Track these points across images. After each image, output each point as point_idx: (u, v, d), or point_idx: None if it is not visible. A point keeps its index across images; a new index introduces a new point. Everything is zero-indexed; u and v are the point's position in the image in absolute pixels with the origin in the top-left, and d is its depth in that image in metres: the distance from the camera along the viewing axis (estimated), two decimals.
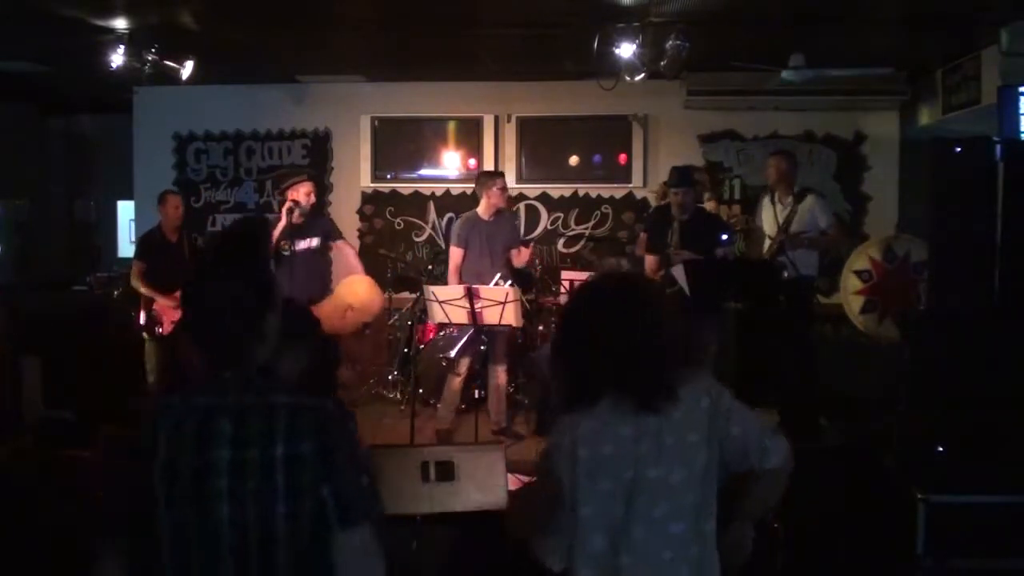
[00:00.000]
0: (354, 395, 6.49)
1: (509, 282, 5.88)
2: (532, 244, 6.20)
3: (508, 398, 6.34)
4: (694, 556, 1.96)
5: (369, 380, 6.96)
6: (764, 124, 7.59)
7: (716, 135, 7.70)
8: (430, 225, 7.98)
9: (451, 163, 7.93)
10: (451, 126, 7.98)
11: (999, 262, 3.99)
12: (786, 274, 5.56)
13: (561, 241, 7.91)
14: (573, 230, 7.90)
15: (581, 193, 7.87)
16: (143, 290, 6.07)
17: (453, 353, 5.78)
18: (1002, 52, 5.44)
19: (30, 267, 8.58)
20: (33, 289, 7.74)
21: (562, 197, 7.90)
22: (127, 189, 8.49)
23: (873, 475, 4.09)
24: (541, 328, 7.00)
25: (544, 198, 7.92)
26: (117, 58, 5.75)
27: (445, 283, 6.03)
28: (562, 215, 7.91)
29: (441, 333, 6.19)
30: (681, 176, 5.81)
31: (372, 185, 8.03)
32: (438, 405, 6.00)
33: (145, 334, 6.13)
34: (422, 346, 6.40)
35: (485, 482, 4.37)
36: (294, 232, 5.71)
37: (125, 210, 9.12)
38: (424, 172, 8.02)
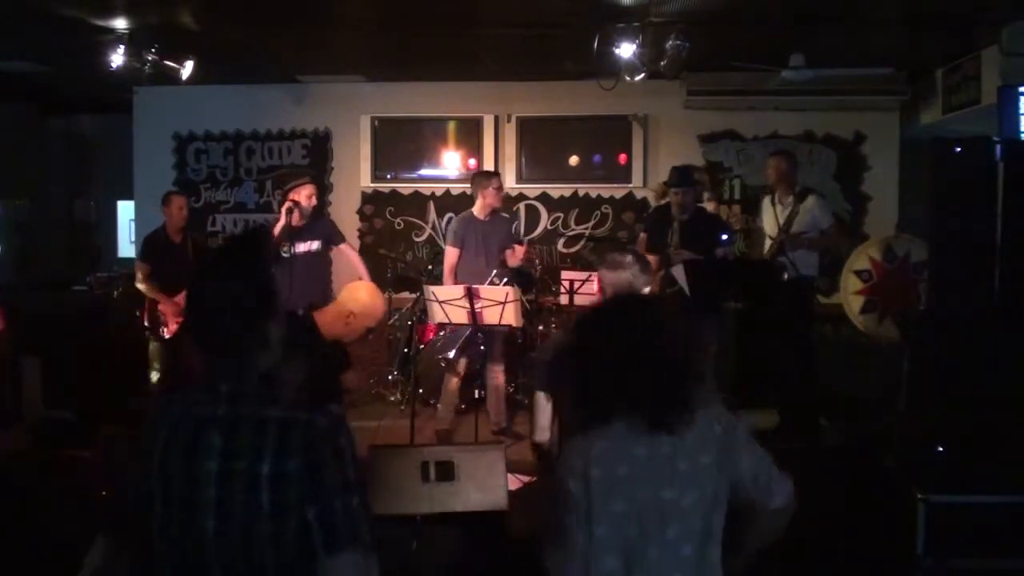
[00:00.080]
0: (357, 398, 6.49)
1: (505, 279, 5.90)
2: (524, 243, 6.19)
3: (508, 398, 6.34)
4: None
5: (369, 380, 6.96)
6: (764, 124, 7.59)
7: (716, 135, 7.70)
8: (430, 225, 7.98)
9: (451, 163, 7.93)
10: (451, 126, 7.98)
11: (999, 262, 3.99)
12: (787, 275, 5.56)
13: (561, 241, 7.91)
14: (573, 230, 7.90)
15: (581, 193, 7.87)
16: (147, 291, 6.07)
17: (452, 353, 5.79)
18: (1002, 52, 5.44)
19: (30, 267, 8.59)
20: (33, 289, 7.74)
21: (562, 197, 7.90)
22: (127, 189, 8.49)
23: (873, 475, 4.10)
24: (541, 328, 7.00)
25: (544, 198, 7.92)
26: (117, 58, 5.75)
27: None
28: (562, 215, 7.91)
29: (441, 333, 6.19)
30: (681, 176, 5.81)
31: (372, 185, 8.03)
32: (438, 405, 6.00)
33: (149, 336, 6.13)
34: (422, 346, 6.40)
35: (485, 482, 4.37)
36: (294, 234, 5.70)
37: (125, 210, 9.13)
38: (424, 172, 8.02)
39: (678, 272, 5.34)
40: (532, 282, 7.15)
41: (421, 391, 6.21)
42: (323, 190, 7.82)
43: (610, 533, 1.92)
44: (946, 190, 4.29)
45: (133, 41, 5.76)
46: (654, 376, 1.96)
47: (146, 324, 6.12)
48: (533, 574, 2.03)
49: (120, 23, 5.66)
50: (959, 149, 4.25)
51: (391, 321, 7.06)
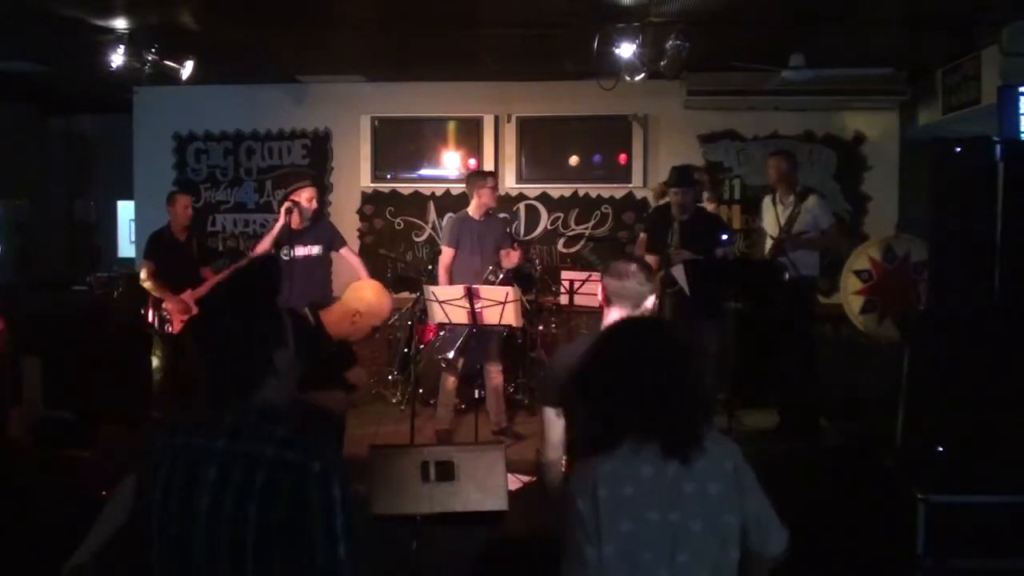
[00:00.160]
0: (362, 394, 6.50)
1: (501, 275, 5.90)
2: (516, 244, 6.19)
3: (508, 398, 6.34)
4: None
5: (370, 380, 6.96)
6: (764, 124, 7.59)
7: (716, 135, 7.70)
8: (430, 225, 7.98)
9: (451, 163, 7.93)
10: (451, 126, 7.98)
11: (999, 262, 3.98)
12: (787, 275, 5.56)
13: (561, 241, 7.91)
14: (573, 230, 7.90)
15: (581, 193, 7.87)
16: (152, 289, 6.08)
17: (451, 353, 5.79)
18: (1002, 52, 5.44)
19: (30, 267, 8.58)
20: (33, 289, 7.74)
21: (562, 197, 7.90)
22: (127, 189, 8.49)
23: (873, 475, 4.10)
24: (541, 328, 7.00)
25: (544, 198, 7.92)
26: (117, 58, 5.75)
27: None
28: (562, 215, 7.91)
29: (441, 333, 6.20)
30: (681, 176, 5.81)
31: (372, 185, 8.03)
32: (437, 405, 6.01)
33: (153, 333, 6.14)
34: (422, 346, 6.40)
35: (485, 482, 4.36)
36: (293, 237, 5.70)
37: (125, 210, 9.13)
38: (424, 172, 8.02)
39: (678, 272, 5.34)
40: (532, 282, 7.16)
41: (421, 391, 6.22)
42: (323, 190, 7.82)
43: (619, 553, 1.92)
44: (946, 190, 4.29)
45: (133, 41, 5.75)
46: (666, 401, 1.98)
47: (151, 322, 6.13)
48: (533, 574, 2.04)
49: (120, 23, 5.66)
50: (959, 149, 4.25)
51: (391, 321, 7.06)
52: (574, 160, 7.85)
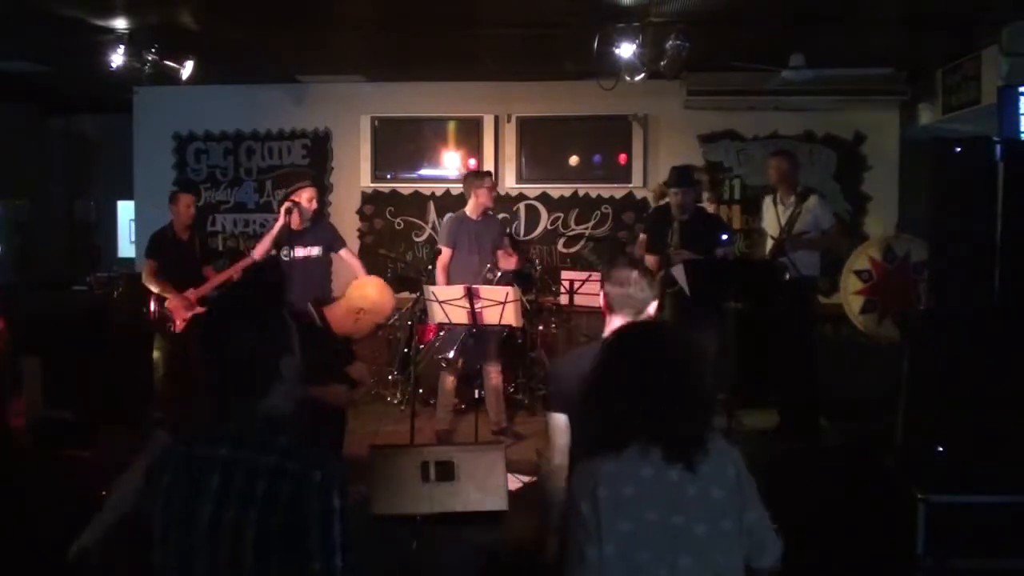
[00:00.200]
0: (362, 392, 6.50)
1: (500, 274, 5.90)
2: (512, 246, 6.20)
3: (508, 398, 6.34)
4: None
5: (370, 380, 6.96)
6: (764, 124, 7.59)
7: (716, 135, 7.70)
8: (430, 225, 7.98)
9: (451, 163, 7.93)
10: (451, 126, 7.98)
11: (999, 262, 3.98)
12: (788, 275, 5.56)
13: (561, 241, 7.91)
14: (573, 230, 7.90)
15: (581, 193, 7.87)
16: (155, 288, 6.08)
17: (452, 353, 5.79)
18: (1002, 52, 5.44)
19: (30, 267, 8.59)
20: (33, 289, 7.74)
21: (562, 197, 7.90)
22: (127, 189, 8.49)
23: (873, 475, 4.10)
24: (541, 328, 7.00)
25: (544, 198, 7.92)
26: (117, 58, 5.75)
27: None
28: (562, 215, 7.91)
29: (441, 333, 6.20)
30: (681, 176, 5.81)
31: (372, 185, 8.03)
32: (436, 406, 6.01)
33: (156, 331, 6.14)
34: (422, 346, 6.40)
35: (485, 482, 4.37)
36: (293, 238, 5.71)
37: (125, 210, 9.13)
38: (424, 172, 8.02)
39: (678, 272, 5.34)
40: (532, 282, 7.16)
41: (421, 391, 6.22)
42: (323, 190, 7.83)
43: (618, 553, 1.93)
44: (946, 190, 4.29)
45: (133, 41, 5.75)
46: (671, 407, 1.99)
47: (153, 319, 6.13)
48: (533, 574, 2.04)
49: (120, 23, 5.66)
50: (959, 149, 4.25)
51: (391, 321, 7.06)
52: (574, 160, 7.85)
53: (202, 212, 8.03)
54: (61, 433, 5.01)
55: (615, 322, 2.86)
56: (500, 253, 6.01)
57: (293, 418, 1.75)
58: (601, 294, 3.04)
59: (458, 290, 5.34)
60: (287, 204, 5.68)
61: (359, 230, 8.05)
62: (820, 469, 4.55)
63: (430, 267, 5.82)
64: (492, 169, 7.75)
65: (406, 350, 6.77)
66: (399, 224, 8.05)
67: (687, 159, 7.10)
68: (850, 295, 6.64)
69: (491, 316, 5.28)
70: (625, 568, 1.93)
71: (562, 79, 7.48)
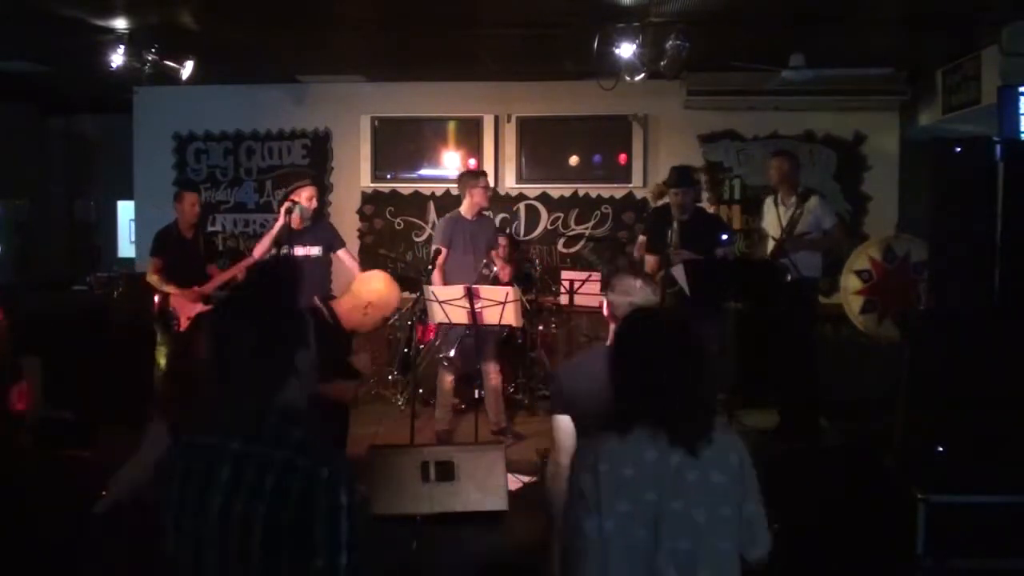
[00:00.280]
0: (364, 387, 6.50)
1: (495, 269, 5.90)
2: (507, 246, 6.21)
3: (508, 398, 6.34)
4: None
5: (370, 379, 6.96)
6: (764, 124, 7.59)
7: (716, 135, 7.70)
8: (430, 225, 7.97)
9: (451, 163, 7.92)
10: (451, 126, 7.98)
11: (999, 262, 3.98)
12: (789, 276, 5.56)
13: (561, 241, 7.91)
14: (573, 230, 7.90)
15: (581, 193, 7.87)
16: (160, 286, 6.09)
17: (452, 352, 5.79)
18: (1002, 52, 5.44)
19: (30, 267, 8.58)
20: (33, 289, 7.74)
21: (562, 197, 7.90)
22: (127, 189, 8.49)
23: (873, 475, 4.10)
24: (541, 328, 7.00)
25: (544, 198, 7.92)
26: (117, 58, 5.75)
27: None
28: (562, 215, 7.91)
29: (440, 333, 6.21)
30: (681, 176, 5.81)
31: (372, 185, 8.03)
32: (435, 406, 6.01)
33: (160, 328, 6.14)
34: (422, 346, 6.40)
35: (485, 482, 4.37)
36: (293, 237, 5.71)
37: (125, 210, 9.13)
38: (424, 172, 8.02)
39: (678, 272, 5.34)
40: (532, 282, 7.16)
41: (421, 391, 6.22)
42: (323, 190, 7.83)
43: (618, 530, 1.96)
44: (946, 190, 4.29)
45: (133, 41, 5.75)
46: (676, 394, 2.03)
47: (157, 318, 6.13)
48: (533, 574, 2.05)
49: (120, 23, 5.66)
50: (959, 149, 4.24)
51: (391, 321, 7.06)
52: (574, 160, 7.85)
53: (202, 212, 8.02)
54: (61, 433, 5.02)
55: None
56: (498, 263, 6.02)
57: (307, 413, 1.76)
58: (604, 302, 3.05)
59: (458, 290, 5.34)
60: (287, 204, 5.69)
61: (359, 230, 8.05)
62: (820, 469, 4.55)
63: (430, 267, 5.81)
64: (492, 169, 7.76)
65: (406, 350, 6.77)
66: (399, 224, 8.05)
67: (687, 159, 7.11)
68: (850, 295, 6.64)
69: (491, 316, 5.28)
70: (624, 545, 1.96)
71: (562, 79, 7.48)
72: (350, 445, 4.23)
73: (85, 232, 9.67)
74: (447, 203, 7.88)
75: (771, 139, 7.54)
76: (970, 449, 3.72)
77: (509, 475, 4.57)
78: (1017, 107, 4.76)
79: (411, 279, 7.17)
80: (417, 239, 8.03)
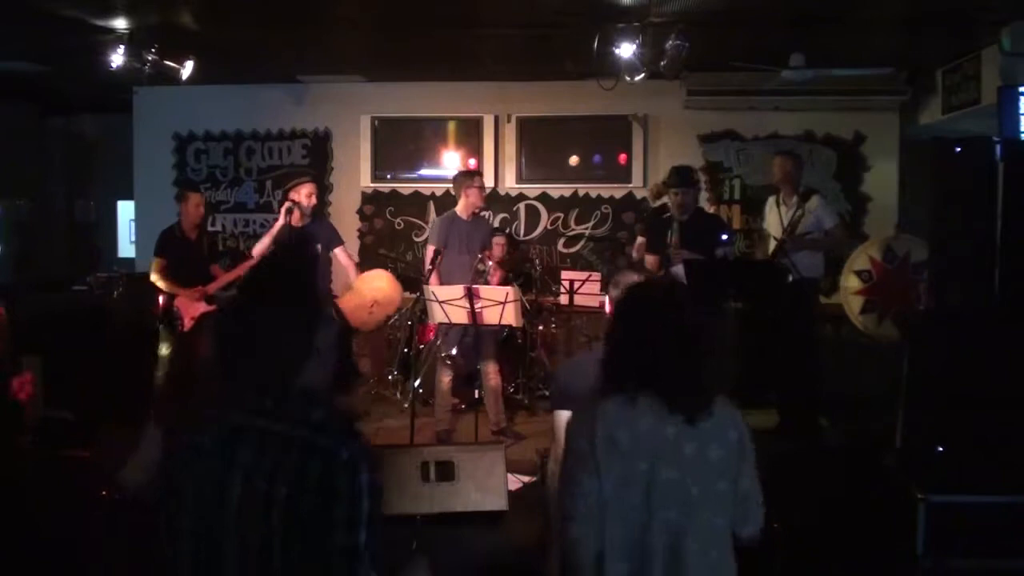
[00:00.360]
0: (365, 387, 6.50)
1: (490, 264, 5.90)
2: (491, 251, 6.24)
3: (508, 398, 6.34)
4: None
5: (370, 379, 6.96)
6: (764, 124, 7.59)
7: (716, 135, 7.70)
8: (430, 225, 7.97)
9: (451, 163, 7.93)
10: (451, 126, 7.98)
11: (999, 262, 3.98)
12: (791, 277, 5.55)
13: (561, 241, 7.91)
14: (573, 230, 7.90)
15: (581, 193, 7.87)
16: (163, 285, 6.09)
17: (454, 350, 5.78)
18: (1002, 52, 5.44)
19: (30, 267, 8.58)
20: (33, 289, 7.74)
21: (562, 197, 7.90)
22: (127, 189, 8.50)
23: (873, 475, 4.09)
24: (541, 328, 7.00)
25: (544, 198, 7.92)
26: (117, 58, 5.75)
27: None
28: (562, 215, 7.91)
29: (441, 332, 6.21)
30: (681, 176, 5.81)
31: (372, 185, 8.03)
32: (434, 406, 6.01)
33: (163, 328, 6.14)
34: (422, 346, 6.40)
35: (485, 482, 4.37)
36: (293, 235, 5.71)
37: (125, 210, 9.13)
38: (424, 172, 8.03)
39: (678, 272, 5.34)
40: (532, 282, 7.16)
41: (421, 391, 6.22)
42: (323, 190, 7.83)
43: (614, 494, 1.98)
44: (946, 190, 4.29)
45: (133, 41, 5.76)
46: (679, 360, 2.03)
47: (161, 318, 6.13)
48: (533, 574, 2.05)
49: (120, 23, 5.66)
50: (959, 149, 4.24)
51: (391, 321, 7.07)
52: (574, 160, 7.86)
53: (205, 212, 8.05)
54: (61, 433, 5.01)
55: None
56: (487, 253, 6.02)
57: (328, 392, 1.76)
58: (606, 299, 3.06)
59: (458, 290, 5.34)
60: (287, 204, 5.69)
61: (359, 230, 8.05)
62: (820, 469, 4.55)
63: (430, 267, 5.81)
64: (492, 169, 7.77)
65: (406, 350, 6.77)
66: (399, 224, 8.05)
67: (687, 159, 7.10)
68: (850, 295, 6.64)
69: (491, 316, 5.28)
70: (619, 510, 1.97)
71: (562, 79, 7.48)
72: None
73: (85, 232, 9.67)
74: (447, 203, 7.86)
75: (771, 139, 7.54)
76: (970, 449, 3.72)
77: (509, 475, 4.57)
78: (1017, 107, 4.77)
79: (411, 279, 7.18)
80: (417, 239, 8.03)
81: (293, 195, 5.75)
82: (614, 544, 1.97)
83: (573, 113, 7.73)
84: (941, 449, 3.76)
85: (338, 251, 5.94)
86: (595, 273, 6.99)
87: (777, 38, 6.07)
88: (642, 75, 5.78)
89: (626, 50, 5.52)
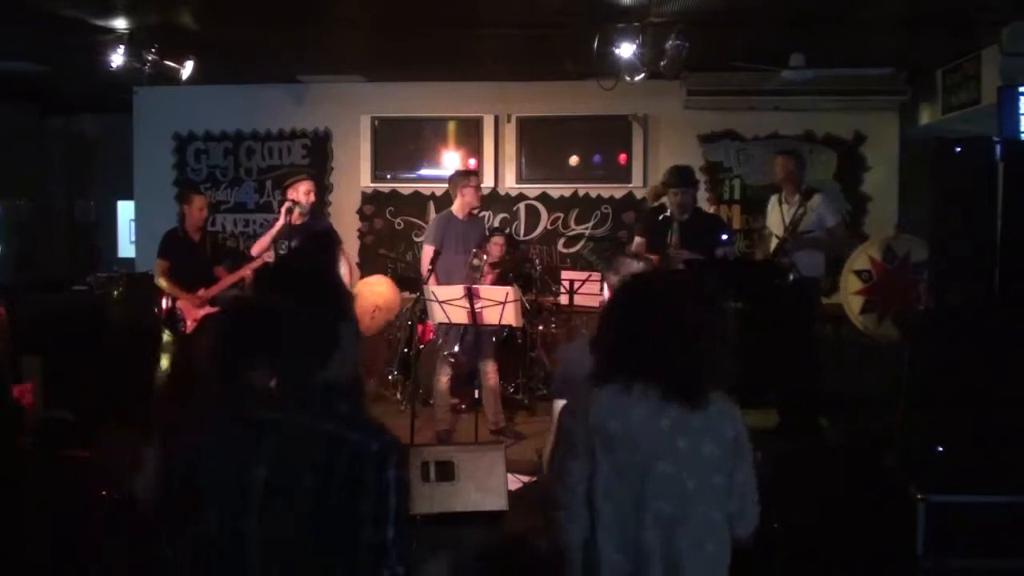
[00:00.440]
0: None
1: (485, 258, 5.90)
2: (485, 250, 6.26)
3: (508, 398, 6.34)
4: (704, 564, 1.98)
5: (370, 380, 6.96)
6: (764, 124, 7.59)
7: (716, 135, 7.70)
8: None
9: (451, 163, 7.92)
10: (451, 126, 7.98)
11: (999, 262, 3.98)
12: (792, 276, 5.55)
13: (561, 241, 7.91)
14: (573, 230, 7.90)
15: (581, 193, 7.87)
16: (166, 287, 6.09)
17: (457, 347, 5.78)
18: (1002, 52, 5.44)
19: (30, 267, 8.58)
20: (33, 289, 7.74)
21: (562, 197, 7.90)
22: (127, 189, 8.50)
23: (873, 475, 4.09)
24: (541, 328, 7.00)
25: (544, 198, 7.92)
26: (117, 58, 5.74)
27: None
28: (562, 215, 7.91)
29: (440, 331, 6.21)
30: (681, 176, 5.81)
31: (372, 185, 8.03)
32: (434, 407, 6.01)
33: (166, 330, 6.15)
34: (422, 346, 6.40)
35: (485, 482, 4.38)
36: (293, 233, 5.72)
37: (125, 210, 9.13)
38: (424, 172, 8.02)
39: None
40: (531, 282, 7.15)
41: (421, 391, 6.22)
42: (323, 190, 7.84)
43: (608, 486, 1.96)
44: (946, 190, 4.29)
45: (133, 41, 5.75)
46: (672, 347, 1.99)
47: (164, 317, 6.13)
48: (533, 574, 2.04)
49: (120, 23, 5.66)
50: (959, 149, 4.24)
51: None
52: (574, 160, 7.85)
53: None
54: (61, 433, 5.01)
55: None
56: (485, 259, 6.03)
57: (352, 386, 1.74)
58: (605, 286, 3.04)
59: (458, 290, 5.34)
60: (287, 204, 5.70)
61: (359, 230, 8.05)
62: (820, 469, 4.55)
63: (430, 267, 5.81)
64: (492, 169, 7.77)
65: (406, 350, 6.77)
66: (399, 224, 8.05)
67: (687, 159, 7.09)
68: (850, 295, 6.64)
69: (491, 316, 5.28)
70: (614, 501, 1.95)
71: (562, 79, 7.47)
72: None
73: (85, 232, 9.67)
74: (447, 203, 7.85)
75: (771, 139, 7.53)
76: (970, 449, 3.72)
77: (509, 475, 4.57)
78: (1017, 107, 4.76)
79: (411, 279, 7.18)
80: (417, 239, 8.01)
81: (291, 193, 5.75)
82: (609, 535, 1.95)
83: (573, 113, 7.72)
84: (941, 449, 3.76)
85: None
86: (595, 273, 6.98)
87: (777, 38, 6.07)
88: (642, 75, 5.77)
89: (626, 50, 5.51)
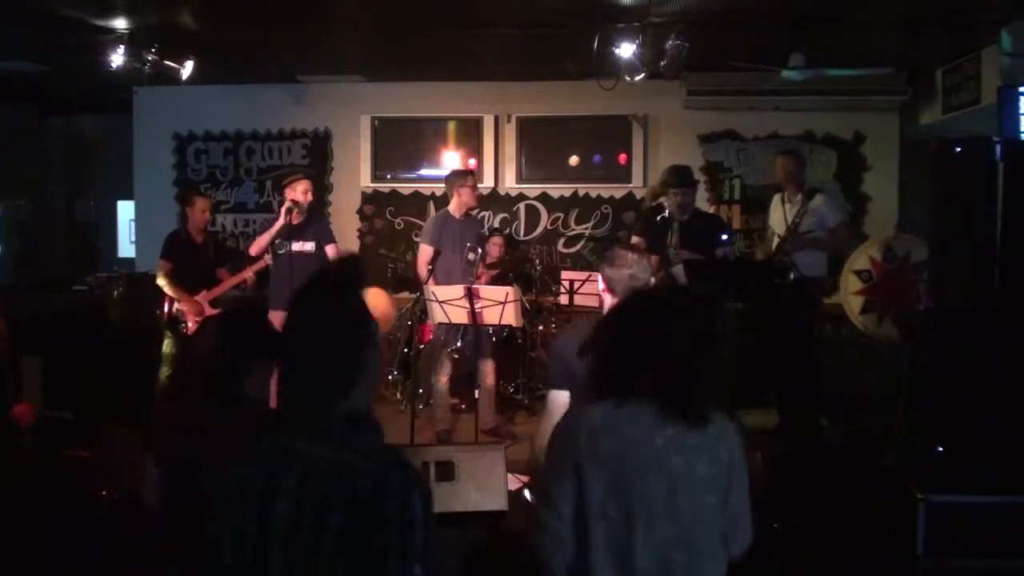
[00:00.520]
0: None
1: (481, 252, 5.90)
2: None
3: (507, 398, 6.34)
4: None
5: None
6: (764, 124, 7.59)
7: (716, 135, 7.70)
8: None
9: (451, 163, 7.91)
10: (451, 126, 7.98)
11: (999, 262, 3.98)
12: (792, 276, 5.55)
13: (561, 241, 7.91)
14: (573, 230, 7.90)
15: (581, 193, 7.87)
16: (168, 289, 6.09)
17: (459, 343, 5.78)
18: (1002, 52, 5.44)
19: (30, 267, 8.58)
20: (33, 289, 7.74)
21: (562, 197, 7.90)
22: (127, 189, 8.50)
23: (873, 475, 4.09)
24: (541, 328, 7.00)
25: (544, 198, 7.92)
26: (117, 58, 5.75)
27: None
28: (562, 215, 7.91)
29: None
30: (681, 176, 5.81)
31: (372, 185, 8.03)
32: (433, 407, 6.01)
33: (168, 330, 6.15)
34: (422, 346, 6.40)
35: (485, 482, 4.37)
36: (292, 232, 5.73)
37: (125, 210, 9.13)
38: (424, 172, 8.03)
39: (678, 272, 5.34)
40: (531, 282, 7.15)
41: (421, 391, 6.22)
42: (323, 190, 7.84)
43: (601, 504, 1.92)
44: (946, 190, 4.29)
45: (133, 41, 5.76)
46: (676, 369, 1.95)
47: (166, 318, 6.13)
48: (533, 574, 2.03)
49: (120, 23, 5.66)
50: (959, 149, 4.24)
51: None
52: (574, 160, 7.86)
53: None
54: (61, 433, 5.01)
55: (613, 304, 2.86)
56: (480, 267, 6.03)
57: (373, 414, 1.70)
58: (600, 278, 3.03)
59: (458, 290, 5.34)
60: (287, 204, 5.70)
61: (359, 230, 8.05)
62: (820, 469, 4.54)
63: (430, 267, 5.81)
64: (492, 169, 7.77)
65: (406, 350, 6.77)
66: (399, 224, 8.05)
67: (687, 159, 7.09)
68: (850, 295, 6.64)
69: (491, 316, 5.28)
70: (606, 520, 1.91)
71: (562, 79, 7.48)
72: None
73: (85, 232, 9.67)
74: (447, 203, 7.86)
75: (771, 139, 7.54)
76: (970, 449, 3.71)
77: (509, 475, 4.57)
78: (1017, 107, 4.77)
79: (411, 279, 7.18)
80: (417, 239, 8.00)
81: (288, 192, 5.76)
82: (603, 555, 1.91)
83: (573, 113, 7.73)
84: (941, 449, 3.76)
85: (329, 249, 5.93)
86: (595, 273, 6.95)
87: (777, 38, 6.07)
88: (642, 75, 5.77)
89: (626, 50, 5.52)
